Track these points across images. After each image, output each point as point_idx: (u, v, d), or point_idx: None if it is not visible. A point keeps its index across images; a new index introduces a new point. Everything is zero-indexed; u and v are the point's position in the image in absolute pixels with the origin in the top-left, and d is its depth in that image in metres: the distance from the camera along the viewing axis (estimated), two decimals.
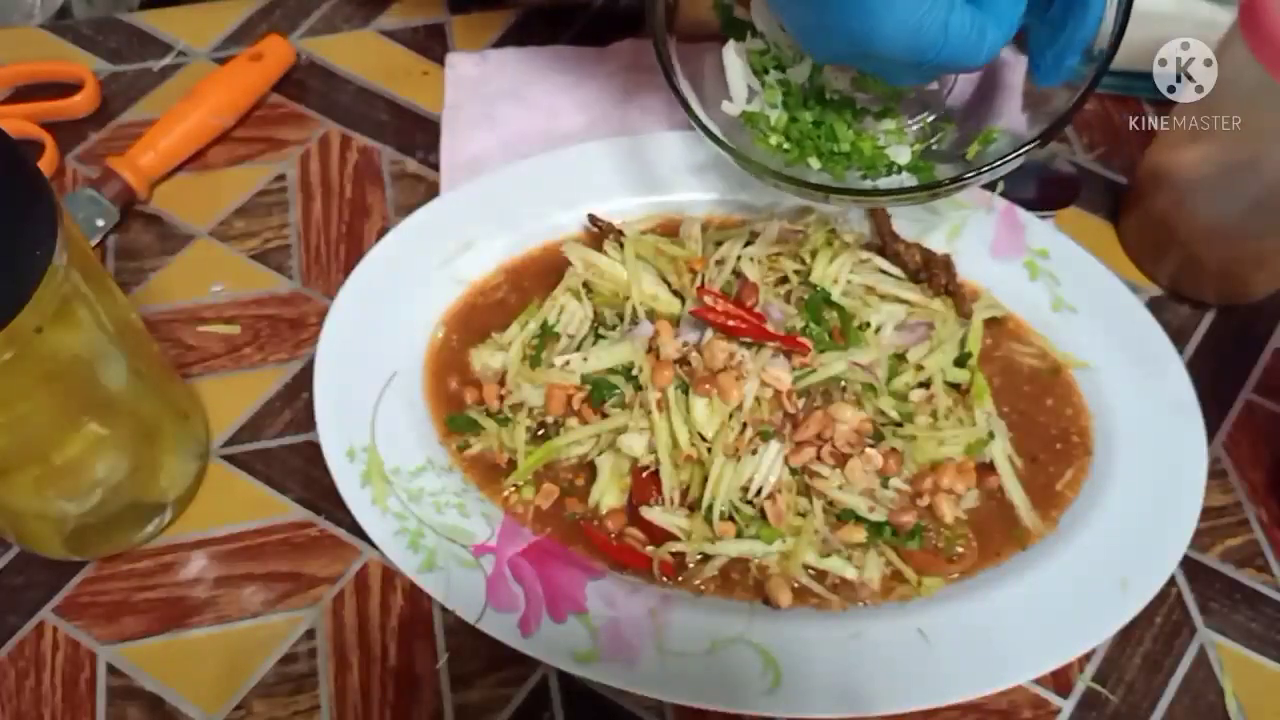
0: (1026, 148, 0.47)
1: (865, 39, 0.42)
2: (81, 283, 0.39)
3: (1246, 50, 0.49)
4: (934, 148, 0.54)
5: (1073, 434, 0.53)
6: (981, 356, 0.54)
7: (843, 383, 0.50)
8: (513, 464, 0.50)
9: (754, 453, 0.48)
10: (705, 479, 0.47)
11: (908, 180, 0.52)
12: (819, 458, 0.48)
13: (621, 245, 0.54)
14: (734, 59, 0.53)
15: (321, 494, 0.51)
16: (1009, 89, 0.53)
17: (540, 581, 0.47)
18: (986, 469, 0.51)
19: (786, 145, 0.53)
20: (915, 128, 0.54)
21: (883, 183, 0.52)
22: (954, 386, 0.53)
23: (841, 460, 0.48)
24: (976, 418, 0.51)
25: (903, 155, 0.52)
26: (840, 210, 0.57)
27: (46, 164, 0.61)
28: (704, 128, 0.49)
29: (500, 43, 0.69)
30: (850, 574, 0.48)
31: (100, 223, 0.58)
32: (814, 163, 0.52)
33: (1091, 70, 0.46)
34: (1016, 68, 0.52)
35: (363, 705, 0.46)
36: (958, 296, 0.55)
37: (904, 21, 0.41)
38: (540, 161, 0.58)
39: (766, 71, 0.53)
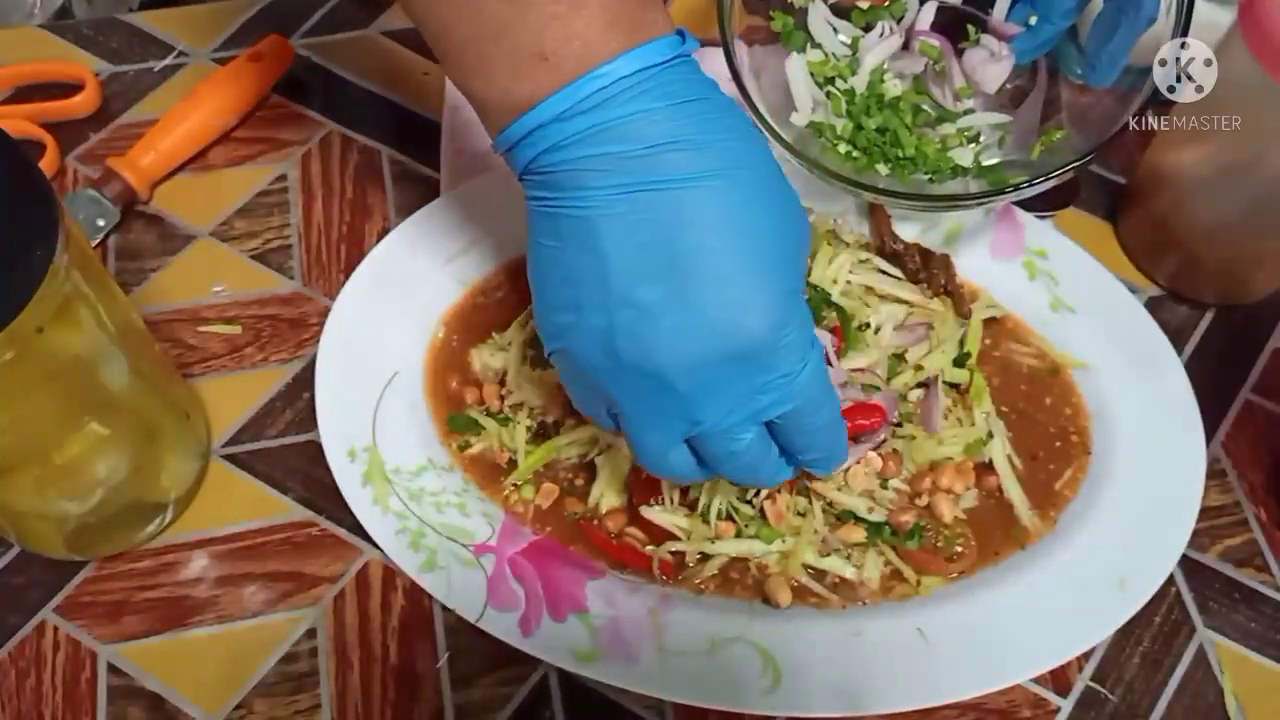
0: (1095, 150, 0.48)
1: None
2: (82, 283, 0.39)
3: (1246, 50, 0.49)
4: (998, 150, 0.55)
5: (1071, 433, 0.53)
6: (980, 356, 0.54)
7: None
8: (513, 463, 0.50)
9: None
10: None
11: (974, 184, 0.53)
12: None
13: None
14: (797, 70, 0.53)
15: (322, 493, 0.51)
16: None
17: (540, 581, 0.47)
18: (985, 469, 0.51)
19: (855, 153, 0.53)
20: (973, 130, 0.55)
21: (950, 186, 0.53)
22: (953, 386, 0.53)
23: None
24: (975, 418, 0.51)
25: (965, 157, 0.53)
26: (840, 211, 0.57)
27: (47, 164, 0.61)
28: (777, 137, 0.50)
29: None
30: (849, 573, 0.48)
31: (101, 223, 0.58)
32: (882, 169, 0.53)
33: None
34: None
35: (364, 704, 0.46)
36: (957, 296, 0.55)
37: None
38: None
39: (831, 81, 0.54)
